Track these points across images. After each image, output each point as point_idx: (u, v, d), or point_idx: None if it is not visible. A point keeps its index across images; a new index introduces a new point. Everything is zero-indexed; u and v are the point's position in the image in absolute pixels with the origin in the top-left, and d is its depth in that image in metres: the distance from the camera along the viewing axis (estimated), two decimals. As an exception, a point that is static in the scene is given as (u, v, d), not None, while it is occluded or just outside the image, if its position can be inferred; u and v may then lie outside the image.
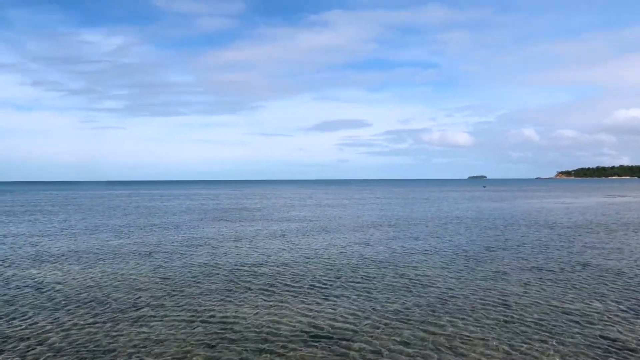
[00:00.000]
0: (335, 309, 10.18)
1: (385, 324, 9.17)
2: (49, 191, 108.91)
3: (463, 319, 9.47)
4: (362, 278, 13.23)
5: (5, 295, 11.54)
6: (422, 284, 12.43)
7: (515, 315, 9.68)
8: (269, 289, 12.07)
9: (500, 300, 10.81)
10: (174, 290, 11.93)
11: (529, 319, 9.43)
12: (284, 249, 18.63)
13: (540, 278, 13.14)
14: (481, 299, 10.92)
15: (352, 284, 12.56)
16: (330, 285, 12.44)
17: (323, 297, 11.17)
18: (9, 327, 9.06)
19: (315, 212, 38.62)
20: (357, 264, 15.32)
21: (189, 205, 49.20)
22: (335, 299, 11.05)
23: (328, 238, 22.11)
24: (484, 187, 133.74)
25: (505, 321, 9.33)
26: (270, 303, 10.71)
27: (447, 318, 9.53)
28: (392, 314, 9.86)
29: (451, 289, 11.87)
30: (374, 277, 13.30)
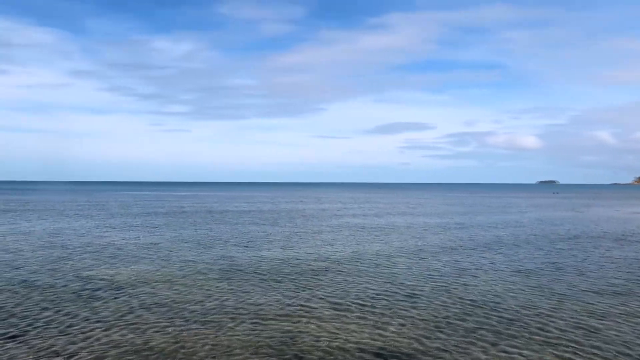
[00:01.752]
0: (399, 326, 10.14)
1: (453, 346, 9.03)
2: (118, 191, 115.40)
3: (534, 344, 9.14)
4: (418, 293, 13.07)
5: (83, 295, 12.40)
6: (483, 304, 12.09)
7: (595, 345, 9.21)
8: (331, 299, 12.20)
9: (573, 325, 10.31)
10: (238, 298, 12.33)
11: (610, 349, 8.95)
12: (338, 257, 18.73)
13: (621, 302, 12.39)
14: (551, 323, 10.47)
15: (411, 299, 12.45)
16: (391, 300, 12.38)
17: (386, 312, 11.15)
18: (86, 327, 9.74)
19: (369, 219, 38.43)
20: (412, 278, 15.14)
21: (245, 209, 50.45)
22: (398, 314, 11.00)
23: (381, 248, 21.97)
24: (555, 192, 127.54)
25: (582, 351, 8.90)
26: (334, 315, 10.84)
27: (517, 342, 9.24)
28: (458, 335, 9.69)
29: (517, 310, 11.47)
30: (431, 293, 13.10)
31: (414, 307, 11.55)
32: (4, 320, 10.25)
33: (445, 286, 13.84)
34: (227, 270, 16.04)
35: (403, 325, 10.18)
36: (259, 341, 9.12)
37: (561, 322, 10.43)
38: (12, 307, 11.24)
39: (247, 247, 21.67)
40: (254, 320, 10.41)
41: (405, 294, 12.94)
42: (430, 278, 15.00)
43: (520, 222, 36.02)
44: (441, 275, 15.40)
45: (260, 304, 11.76)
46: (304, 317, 10.74)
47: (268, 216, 40.26)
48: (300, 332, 9.69)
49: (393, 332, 9.73)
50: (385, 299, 12.32)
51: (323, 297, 12.55)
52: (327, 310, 11.24)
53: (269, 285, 13.83)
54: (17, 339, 9.11)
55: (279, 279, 14.78)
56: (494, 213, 46.29)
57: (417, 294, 12.88)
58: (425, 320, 10.53)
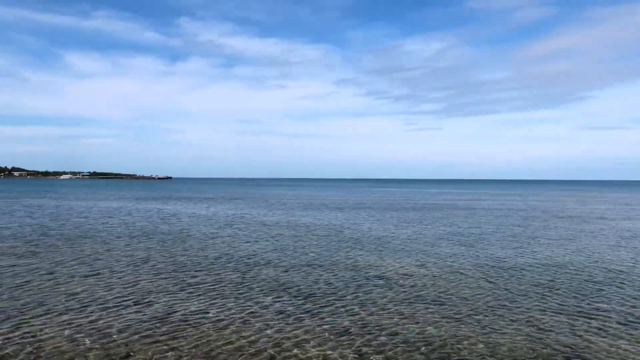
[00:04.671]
0: None
1: None
2: (374, 188, 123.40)
3: None
4: None
5: (355, 281, 13.57)
6: None
7: None
8: (617, 315, 10.48)
9: None
10: (504, 299, 11.68)
11: None
12: (617, 267, 15.91)
13: None
14: None
15: None
16: None
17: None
18: (357, 311, 10.59)
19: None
20: None
21: (496, 206, 47.60)
22: None
23: (694, 259, 17.74)
24: None
25: None
26: (624, 334, 9.28)
27: None
28: None
29: None
30: None
31: None
32: (296, 295, 12.00)
33: None
34: (489, 270, 15.38)
35: None
36: (536, 350, 8.42)
37: None
38: (302, 285, 13.07)
39: (504, 247, 20.44)
40: (527, 327, 9.67)
41: None
42: None
43: None
44: None
45: (529, 309, 10.87)
46: (588, 330, 9.47)
47: (521, 215, 37.26)
48: (586, 347, 8.57)
49: None
50: (700, 323, 9.91)
51: (609, 310, 10.86)
52: (615, 327, 9.67)
53: (539, 291, 12.69)
54: (311, 313, 10.53)
55: (549, 284, 13.44)
56: None
57: None
58: None
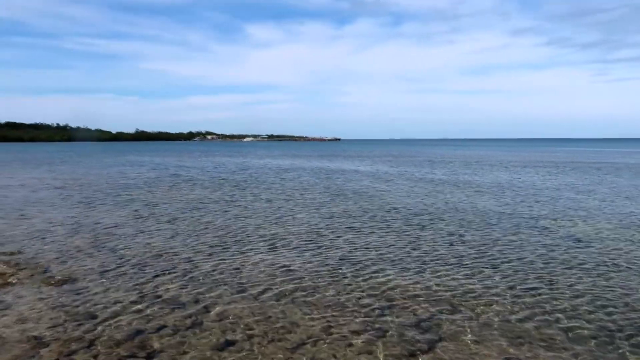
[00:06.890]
0: None
1: None
2: (553, 147, 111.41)
3: None
4: None
5: (538, 240, 12.54)
6: None
7: None
8: None
9: None
10: None
11: None
12: None
13: None
14: None
15: None
16: None
17: None
18: (547, 271, 9.79)
19: None
20: None
21: None
22: None
23: None
24: None
25: None
26: None
27: None
28: None
29: None
30: None
31: None
32: (471, 248, 11.60)
33: None
34: None
35: None
36: None
37: None
38: (477, 238, 12.57)
39: None
40: None
41: None
42: None
43: None
44: None
45: None
46: None
47: None
48: None
49: None
50: None
51: None
52: None
53: None
54: (490, 267, 10.13)
55: None
56: None
57: None
58: None
